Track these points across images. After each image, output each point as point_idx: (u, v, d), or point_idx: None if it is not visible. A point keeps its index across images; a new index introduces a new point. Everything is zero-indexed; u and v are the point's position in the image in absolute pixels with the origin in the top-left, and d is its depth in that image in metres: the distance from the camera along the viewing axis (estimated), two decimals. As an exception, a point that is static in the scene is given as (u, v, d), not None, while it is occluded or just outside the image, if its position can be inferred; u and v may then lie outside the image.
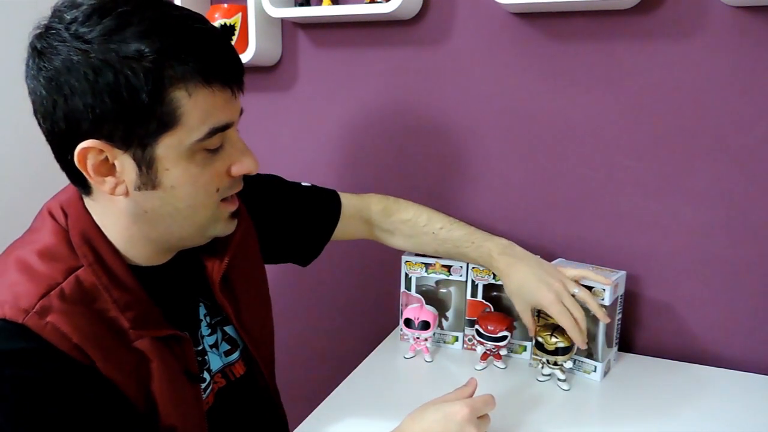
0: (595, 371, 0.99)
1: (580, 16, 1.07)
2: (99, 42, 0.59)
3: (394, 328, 1.20)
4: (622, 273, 1.03)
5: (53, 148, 0.66)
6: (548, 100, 1.12)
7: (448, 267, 1.08)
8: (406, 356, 1.08)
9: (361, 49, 1.24)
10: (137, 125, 0.62)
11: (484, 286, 1.08)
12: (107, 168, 0.64)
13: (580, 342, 0.91)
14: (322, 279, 1.37)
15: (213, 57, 0.64)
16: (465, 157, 1.20)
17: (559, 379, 0.97)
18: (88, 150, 0.62)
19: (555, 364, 0.97)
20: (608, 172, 1.10)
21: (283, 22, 1.29)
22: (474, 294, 1.08)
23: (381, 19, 1.18)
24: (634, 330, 1.13)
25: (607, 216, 1.11)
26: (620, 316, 1.06)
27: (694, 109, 1.03)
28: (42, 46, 0.62)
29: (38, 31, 0.63)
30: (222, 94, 0.65)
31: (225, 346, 0.84)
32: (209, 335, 0.82)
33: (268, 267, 0.95)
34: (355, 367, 1.04)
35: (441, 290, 1.13)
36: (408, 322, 1.05)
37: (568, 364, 0.97)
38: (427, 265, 1.09)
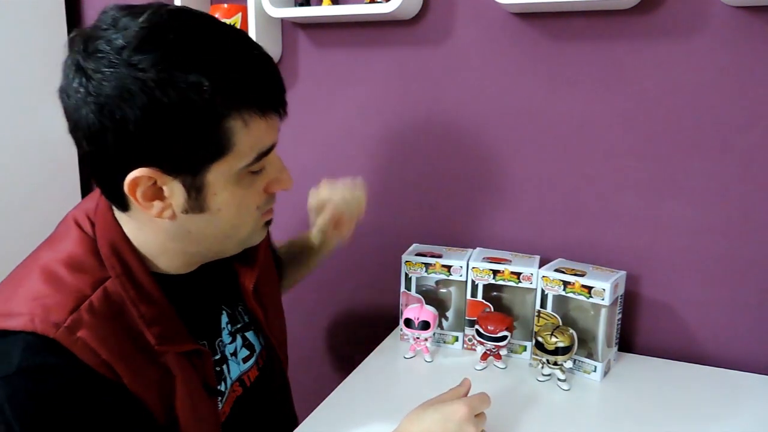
0: (595, 371, 0.99)
1: (580, 16, 1.07)
2: (155, 72, 0.57)
3: (394, 328, 1.20)
4: (622, 273, 1.03)
5: (95, 169, 0.65)
6: (548, 99, 1.12)
7: (448, 267, 1.08)
8: (406, 356, 1.08)
9: (361, 49, 1.24)
10: (191, 154, 0.62)
11: (484, 286, 1.08)
12: (155, 192, 0.64)
13: None
14: (322, 279, 1.37)
15: (266, 87, 0.65)
16: (464, 156, 1.20)
17: (559, 379, 0.97)
18: (139, 179, 0.62)
19: (555, 364, 0.97)
20: (608, 172, 1.10)
21: (283, 22, 1.29)
22: (474, 294, 1.08)
23: (381, 19, 1.19)
24: (634, 330, 1.13)
25: (607, 216, 1.11)
26: (620, 316, 1.06)
27: (694, 109, 1.03)
28: (91, 69, 0.59)
29: (80, 48, 0.62)
30: (271, 121, 0.66)
31: (244, 353, 0.85)
32: (230, 343, 0.83)
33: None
34: (355, 367, 1.04)
35: (441, 290, 1.13)
36: (408, 322, 1.05)
37: (568, 364, 0.97)
38: (427, 265, 1.09)
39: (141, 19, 0.59)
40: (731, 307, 1.06)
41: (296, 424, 0.88)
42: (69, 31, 1.46)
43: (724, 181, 1.03)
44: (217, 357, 0.80)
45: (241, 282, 0.84)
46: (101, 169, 0.65)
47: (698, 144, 1.04)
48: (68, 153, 1.49)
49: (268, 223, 0.76)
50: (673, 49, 1.03)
